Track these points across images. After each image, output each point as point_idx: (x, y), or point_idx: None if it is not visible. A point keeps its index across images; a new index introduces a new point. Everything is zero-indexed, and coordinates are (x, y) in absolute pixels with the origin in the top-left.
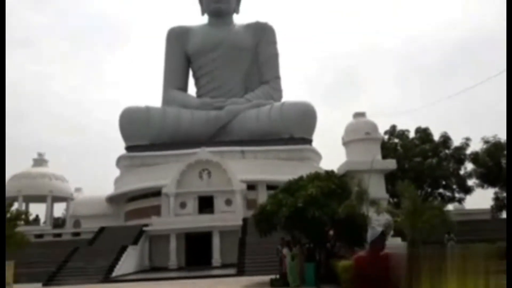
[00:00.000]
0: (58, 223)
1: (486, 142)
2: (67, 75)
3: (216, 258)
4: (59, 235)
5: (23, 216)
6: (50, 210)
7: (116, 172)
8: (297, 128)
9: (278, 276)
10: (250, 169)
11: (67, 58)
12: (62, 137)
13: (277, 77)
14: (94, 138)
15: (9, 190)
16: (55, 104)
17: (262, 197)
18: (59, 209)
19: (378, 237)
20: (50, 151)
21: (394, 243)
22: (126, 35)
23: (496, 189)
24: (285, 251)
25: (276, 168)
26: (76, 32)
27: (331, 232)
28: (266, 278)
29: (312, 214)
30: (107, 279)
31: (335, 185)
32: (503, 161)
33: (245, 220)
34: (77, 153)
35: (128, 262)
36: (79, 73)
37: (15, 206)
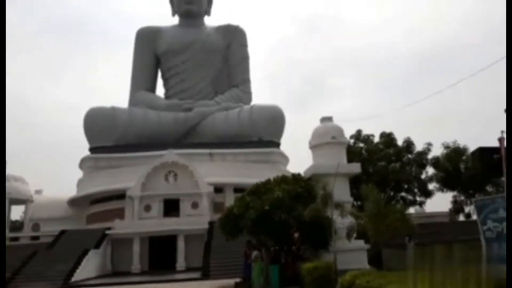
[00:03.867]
0: (16, 226)
1: (446, 147)
2: (31, 73)
3: (181, 262)
4: (16, 238)
5: None
6: (7, 213)
7: (79, 174)
8: (266, 131)
9: (241, 280)
10: (218, 172)
11: (32, 56)
12: (22, 137)
13: (247, 80)
14: (56, 139)
15: None
16: (15, 104)
17: (229, 200)
18: (17, 212)
19: None
20: (9, 152)
21: (357, 245)
22: (92, 36)
23: (455, 193)
24: (254, 254)
25: (244, 171)
26: (41, 29)
27: (296, 235)
28: (231, 281)
29: (279, 217)
30: (67, 284)
31: (302, 188)
32: (462, 166)
33: (211, 223)
34: (38, 154)
35: (89, 267)
36: (44, 72)
37: None
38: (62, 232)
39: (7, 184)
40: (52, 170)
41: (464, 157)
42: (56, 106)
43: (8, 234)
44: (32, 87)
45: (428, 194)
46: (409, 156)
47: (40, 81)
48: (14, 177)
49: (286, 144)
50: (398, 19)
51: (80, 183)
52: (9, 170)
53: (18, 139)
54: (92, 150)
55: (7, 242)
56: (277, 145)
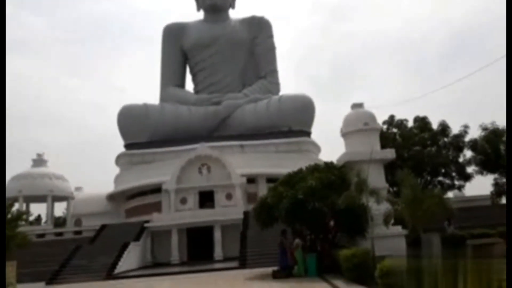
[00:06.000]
0: (59, 222)
1: (484, 129)
2: (63, 75)
3: (218, 252)
4: (60, 234)
5: (24, 217)
6: (51, 209)
7: (116, 170)
8: (295, 120)
9: (278, 268)
10: (250, 163)
11: (63, 59)
12: (61, 137)
13: (274, 71)
14: (93, 136)
15: (10, 191)
16: (53, 105)
17: (262, 190)
18: (59, 209)
19: None
20: (49, 151)
21: (395, 231)
22: (122, 35)
23: (496, 175)
24: (296, 241)
25: (276, 161)
26: (71, 32)
27: (331, 223)
28: (269, 270)
29: (313, 205)
30: (110, 276)
31: (335, 176)
32: (502, 147)
33: (246, 213)
34: (77, 152)
35: (130, 259)
36: (75, 73)
37: (16, 206)
38: (103, 227)
39: (49, 182)
40: (91, 167)
41: (504, 138)
42: (93, 104)
43: (52, 229)
44: (67, 88)
45: (467, 177)
46: (445, 139)
47: (75, 81)
48: (55, 175)
49: (319, 133)
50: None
51: (117, 179)
52: (50, 169)
53: (57, 139)
54: (127, 146)
55: (53, 237)
56: (308, 134)
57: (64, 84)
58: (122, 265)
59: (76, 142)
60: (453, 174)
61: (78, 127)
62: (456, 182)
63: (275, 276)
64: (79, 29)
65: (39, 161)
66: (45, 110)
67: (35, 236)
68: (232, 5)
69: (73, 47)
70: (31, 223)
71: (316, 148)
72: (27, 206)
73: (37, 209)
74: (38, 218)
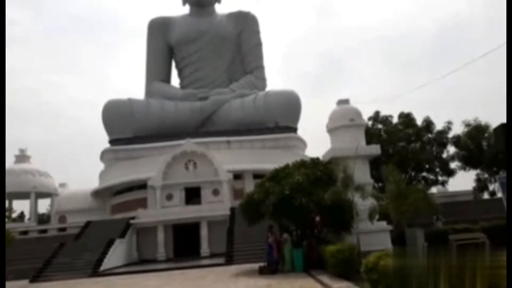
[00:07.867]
0: (43, 219)
1: (467, 125)
2: (47, 70)
3: (205, 248)
4: (44, 231)
5: (6, 214)
6: (34, 206)
7: (101, 166)
8: (282, 116)
9: (266, 264)
10: (236, 159)
11: (47, 53)
12: (44, 132)
13: (260, 67)
14: (78, 132)
15: None
16: (36, 100)
17: (249, 186)
18: (43, 205)
19: None
20: (31, 147)
21: (380, 227)
22: (105, 30)
23: (478, 171)
24: (284, 236)
25: (262, 157)
26: (55, 27)
27: (317, 218)
28: (255, 266)
29: (299, 201)
30: (96, 273)
31: (321, 172)
32: (484, 143)
33: (232, 209)
34: (60, 148)
35: (116, 255)
36: (60, 69)
37: None
38: (88, 223)
39: (32, 178)
40: (76, 163)
41: (486, 135)
42: (77, 100)
43: (36, 226)
44: (51, 83)
45: (450, 173)
46: (429, 135)
47: (59, 76)
48: (39, 172)
49: (305, 129)
50: None
51: (102, 175)
52: (34, 165)
53: (41, 135)
54: (112, 142)
55: (36, 235)
56: (294, 130)
57: (46, 79)
58: (108, 262)
59: (60, 138)
60: (437, 169)
61: (62, 122)
62: (440, 178)
63: (262, 271)
64: (63, 21)
65: (21, 157)
66: (27, 105)
67: (18, 233)
68: None
69: (58, 40)
70: (14, 220)
71: (302, 144)
72: (10, 203)
73: (20, 206)
74: (21, 215)
